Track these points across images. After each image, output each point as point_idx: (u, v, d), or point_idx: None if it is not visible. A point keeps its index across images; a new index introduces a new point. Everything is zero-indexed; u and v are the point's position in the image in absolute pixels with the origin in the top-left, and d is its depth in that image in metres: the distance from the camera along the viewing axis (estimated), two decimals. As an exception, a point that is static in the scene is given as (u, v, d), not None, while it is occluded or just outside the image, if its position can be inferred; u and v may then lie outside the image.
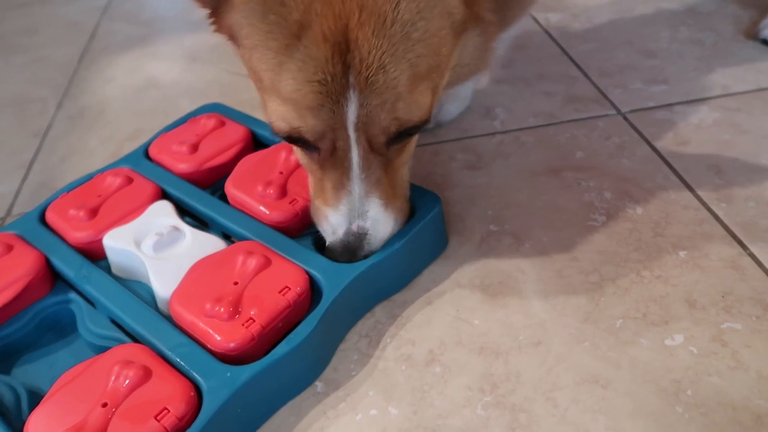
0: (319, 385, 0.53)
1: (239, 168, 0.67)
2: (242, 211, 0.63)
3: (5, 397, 0.52)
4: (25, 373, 0.56)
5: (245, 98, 0.92)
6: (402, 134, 0.50)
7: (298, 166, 0.65)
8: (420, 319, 0.58)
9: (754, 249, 0.61)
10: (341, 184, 0.52)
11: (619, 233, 0.64)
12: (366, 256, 0.55)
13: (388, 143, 0.51)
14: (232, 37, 0.52)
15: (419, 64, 0.46)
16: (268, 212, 0.62)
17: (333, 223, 0.54)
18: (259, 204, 0.62)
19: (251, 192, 0.64)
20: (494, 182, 0.72)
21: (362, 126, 0.48)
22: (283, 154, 0.67)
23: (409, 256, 0.59)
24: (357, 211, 0.52)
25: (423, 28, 0.46)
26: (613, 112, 0.82)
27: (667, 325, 0.55)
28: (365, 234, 0.53)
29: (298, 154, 0.57)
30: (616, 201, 0.68)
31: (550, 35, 1.01)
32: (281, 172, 0.65)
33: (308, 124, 0.48)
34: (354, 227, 0.53)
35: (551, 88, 0.88)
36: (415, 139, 0.57)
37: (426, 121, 0.50)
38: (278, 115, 0.48)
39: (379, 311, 0.59)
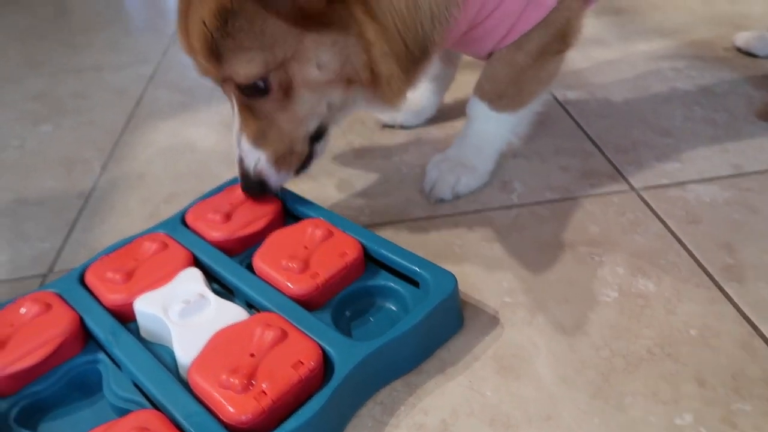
0: (334, 450, 0.55)
1: (267, 242, 0.71)
2: (266, 282, 0.67)
3: (28, 453, 0.54)
4: (49, 431, 0.58)
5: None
6: (245, 89, 0.66)
7: (323, 241, 0.69)
8: (434, 388, 0.60)
9: (765, 330, 0.62)
10: (234, 119, 0.72)
11: (631, 309, 0.66)
12: (261, 183, 0.73)
13: (244, 93, 0.67)
14: None
15: (234, 42, 0.62)
16: (289, 285, 0.65)
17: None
18: (281, 276, 0.66)
19: (275, 265, 0.67)
20: (510, 254, 0.75)
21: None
22: (310, 230, 0.71)
23: (422, 336, 0.61)
24: (237, 141, 0.72)
25: (233, 21, 0.61)
26: (627, 188, 0.85)
27: (677, 404, 0.56)
28: (241, 161, 0.72)
29: None
30: (628, 277, 0.70)
31: (567, 111, 1.06)
32: (306, 247, 0.69)
33: (195, 69, 0.69)
34: (237, 153, 0.72)
35: (567, 163, 0.92)
36: (296, 102, 0.68)
37: (261, 89, 0.66)
38: None
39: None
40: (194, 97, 1.25)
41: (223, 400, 0.53)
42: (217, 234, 0.73)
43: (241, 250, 0.74)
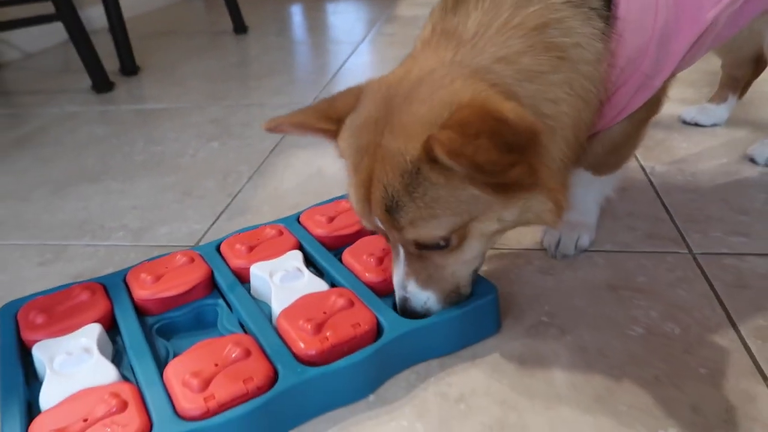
0: (371, 396, 0.70)
1: (357, 243, 0.90)
2: (349, 270, 0.85)
3: (162, 352, 0.76)
4: (176, 345, 0.79)
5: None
6: (423, 246, 0.68)
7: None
8: (461, 370, 0.73)
9: (775, 382, 0.68)
10: (395, 264, 0.74)
11: (652, 344, 0.74)
12: (421, 316, 0.73)
13: (420, 249, 0.69)
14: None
15: (428, 211, 0.64)
16: (366, 274, 0.83)
17: (394, 288, 0.75)
18: (361, 266, 0.84)
19: (359, 258, 0.86)
20: (559, 287, 0.86)
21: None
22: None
23: (458, 328, 0.75)
24: (401, 285, 0.73)
25: (430, 192, 0.63)
26: (686, 251, 0.93)
27: (666, 421, 0.64)
28: (407, 300, 0.73)
29: None
30: (659, 320, 0.78)
31: (651, 182, 1.14)
32: (384, 249, 0.86)
33: (364, 224, 0.73)
34: (400, 294, 0.74)
35: (635, 224, 1.01)
36: (466, 250, 0.69)
37: (440, 246, 0.67)
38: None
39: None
40: (331, 135, 1.50)
41: (297, 338, 0.71)
42: (320, 231, 0.94)
43: (337, 246, 0.93)
